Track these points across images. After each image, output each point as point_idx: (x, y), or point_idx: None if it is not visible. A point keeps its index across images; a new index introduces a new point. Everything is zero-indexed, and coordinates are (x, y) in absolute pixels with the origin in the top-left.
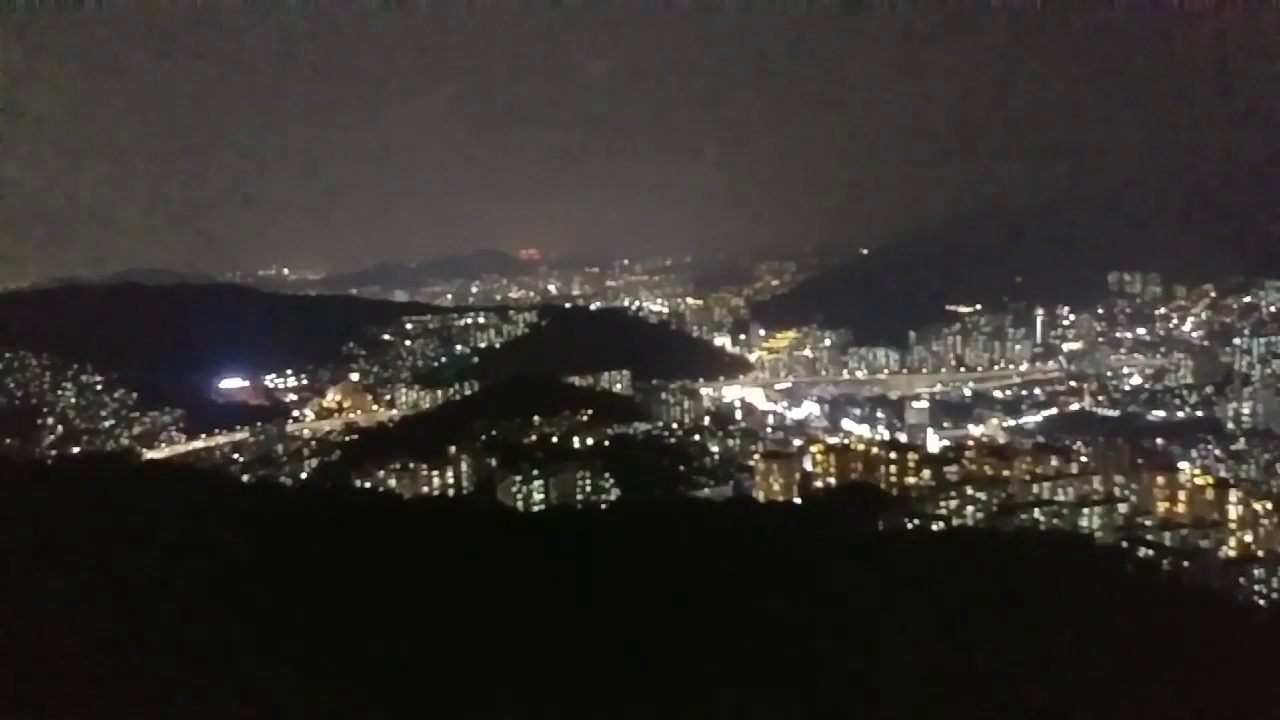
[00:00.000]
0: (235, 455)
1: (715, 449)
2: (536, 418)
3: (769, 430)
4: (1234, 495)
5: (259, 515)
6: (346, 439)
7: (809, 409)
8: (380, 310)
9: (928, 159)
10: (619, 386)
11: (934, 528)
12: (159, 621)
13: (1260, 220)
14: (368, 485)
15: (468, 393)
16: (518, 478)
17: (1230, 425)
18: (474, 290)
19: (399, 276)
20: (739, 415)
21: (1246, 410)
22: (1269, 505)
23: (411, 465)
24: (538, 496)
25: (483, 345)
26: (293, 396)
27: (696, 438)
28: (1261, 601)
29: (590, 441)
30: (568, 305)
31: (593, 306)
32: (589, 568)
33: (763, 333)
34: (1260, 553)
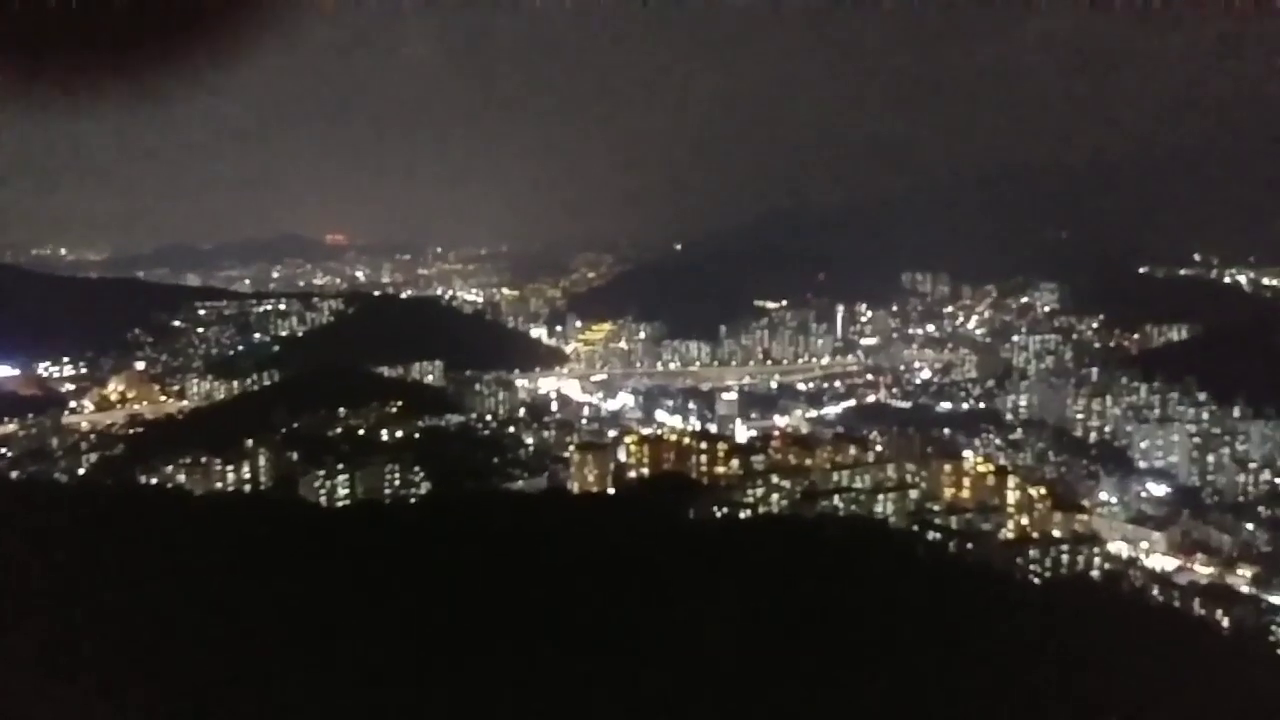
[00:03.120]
0: (3, 450)
1: (530, 441)
2: (342, 409)
3: (584, 422)
4: (1012, 481)
5: (29, 514)
6: (130, 431)
7: (624, 400)
8: (169, 295)
9: (738, 158)
10: (431, 377)
11: (742, 515)
12: None
13: (1037, 225)
14: (154, 481)
15: (267, 383)
16: (321, 472)
17: (1009, 416)
18: (275, 275)
19: (191, 259)
20: (554, 407)
21: (1023, 402)
22: (1042, 490)
23: (204, 459)
24: (343, 491)
25: (284, 333)
26: (70, 386)
27: (511, 429)
28: (1036, 580)
29: (400, 434)
30: (377, 293)
31: (404, 295)
32: (398, 564)
33: (579, 324)
34: (1035, 534)
